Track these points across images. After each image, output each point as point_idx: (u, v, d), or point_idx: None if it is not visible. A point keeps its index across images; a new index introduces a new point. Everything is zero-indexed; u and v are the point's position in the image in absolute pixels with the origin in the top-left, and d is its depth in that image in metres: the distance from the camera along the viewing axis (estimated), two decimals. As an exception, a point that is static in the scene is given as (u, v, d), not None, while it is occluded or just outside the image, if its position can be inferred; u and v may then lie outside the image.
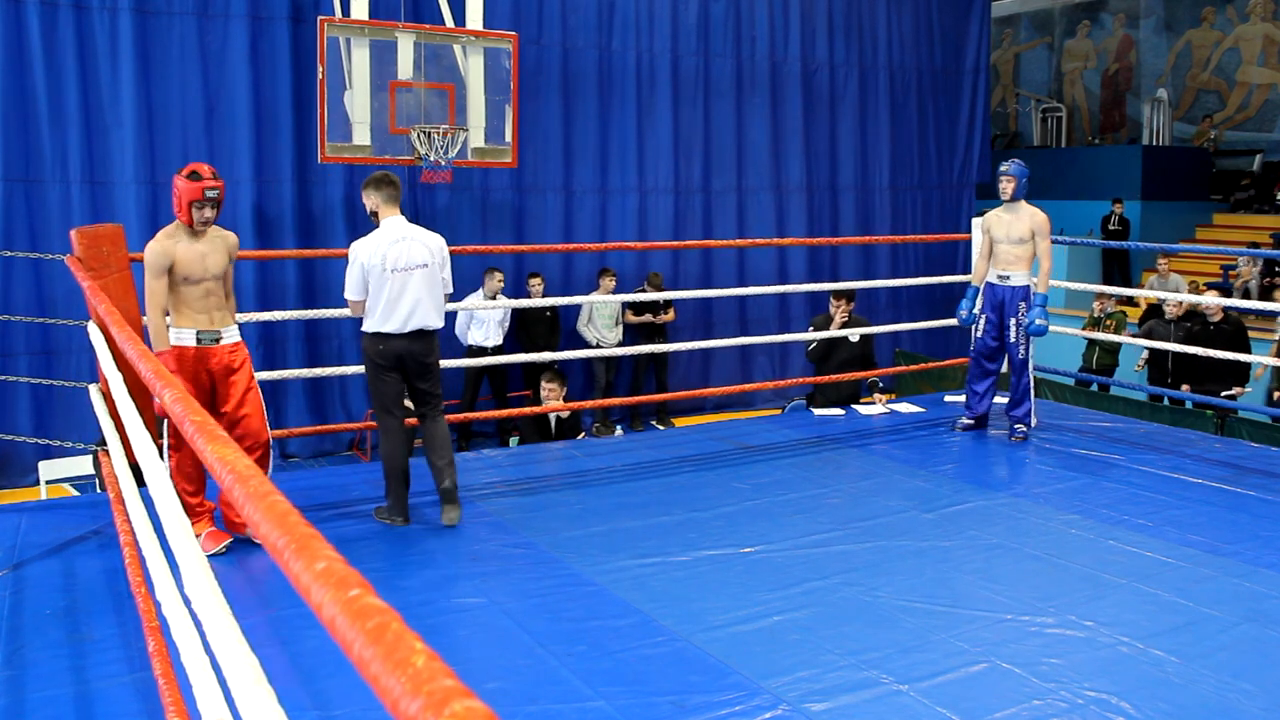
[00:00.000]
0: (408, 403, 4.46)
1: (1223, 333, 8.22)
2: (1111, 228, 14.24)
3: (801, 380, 8.36)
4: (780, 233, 11.34)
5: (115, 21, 8.10)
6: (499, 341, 8.96)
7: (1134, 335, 9.27)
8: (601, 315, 9.77)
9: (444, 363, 4.77)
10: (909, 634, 3.39)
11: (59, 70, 7.96)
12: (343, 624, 0.91)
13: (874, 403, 6.81)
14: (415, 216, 8.64)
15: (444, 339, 4.83)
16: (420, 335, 4.31)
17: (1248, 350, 8.02)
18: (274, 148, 8.76)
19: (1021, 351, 5.96)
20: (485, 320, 8.90)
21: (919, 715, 2.88)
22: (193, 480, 4.02)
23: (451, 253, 4.53)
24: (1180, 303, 8.73)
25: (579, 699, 2.94)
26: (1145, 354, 9.03)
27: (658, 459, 5.61)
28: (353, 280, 4.26)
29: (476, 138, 8.61)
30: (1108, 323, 9.48)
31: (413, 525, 4.39)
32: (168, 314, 3.96)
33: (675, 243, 10.67)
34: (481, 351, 8.76)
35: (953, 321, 6.43)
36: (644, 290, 9.65)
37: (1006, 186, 5.92)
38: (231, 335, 4.07)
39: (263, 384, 4.28)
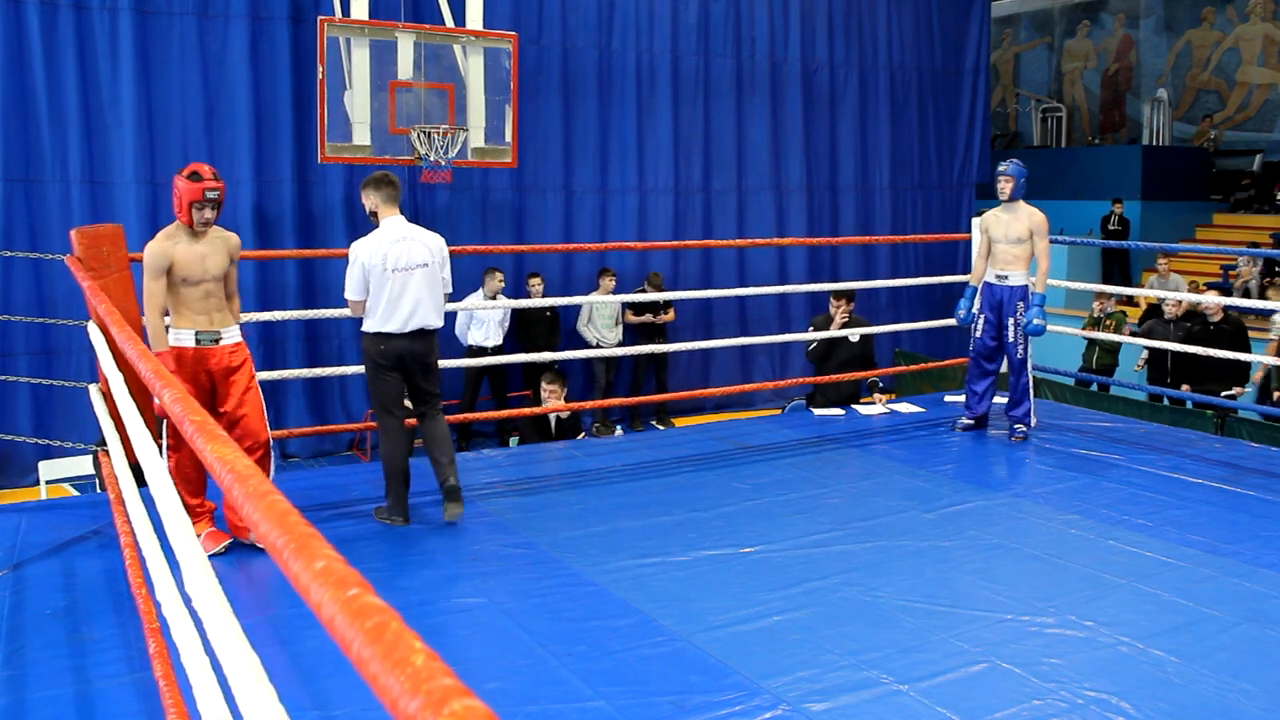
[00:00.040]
0: (408, 403, 4.47)
1: (1223, 333, 8.22)
2: (1111, 228, 14.23)
3: (801, 380, 8.35)
4: (780, 233, 11.34)
5: (115, 21, 8.11)
6: (499, 341, 8.96)
7: (1134, 335, 9.26)
8: (601, 315, 9.77)
9: (444, 363, 4.77)
10: (909, 634, 3.39)
11: (59, 70, 7.97)
12: (342, 623, 0.91)
13: (874, 403, 6.81)
14: (415, 216, 8.64)
15: (444, 339, 4.84)
16: (421, 335, 4.31)
17: (1248, 350, 8.02)
18: (274, 148, 8.77)
19: (1020, 351, 5.95)
20: (485, 320, 8.90)
21: (919, 715, 2.88)
22: (192, 481, 4.01)
23: (451, 253, 4.54)
24: (1180, 302, 8.73)
25: (579, 699, 2.94)
26: (1145, 354, 9.02)
27: (658, 459, 5.61)
28: (353, 280, 4.27)
29: (476, 138, 8.61)
30: (1107, 322, 9.47)
31: (413, 525, 4.39)
32: (167, 315, 3.97)
33: (675, 243, 10.67)
34: (481, 351, 8.76)
35: (952, 321, 6.43)
36: (644, 290, 9.65)
37: (1005, 186, 5.92)
38: (232, 336, 4.07)
39: (263, 384, 4.28)
